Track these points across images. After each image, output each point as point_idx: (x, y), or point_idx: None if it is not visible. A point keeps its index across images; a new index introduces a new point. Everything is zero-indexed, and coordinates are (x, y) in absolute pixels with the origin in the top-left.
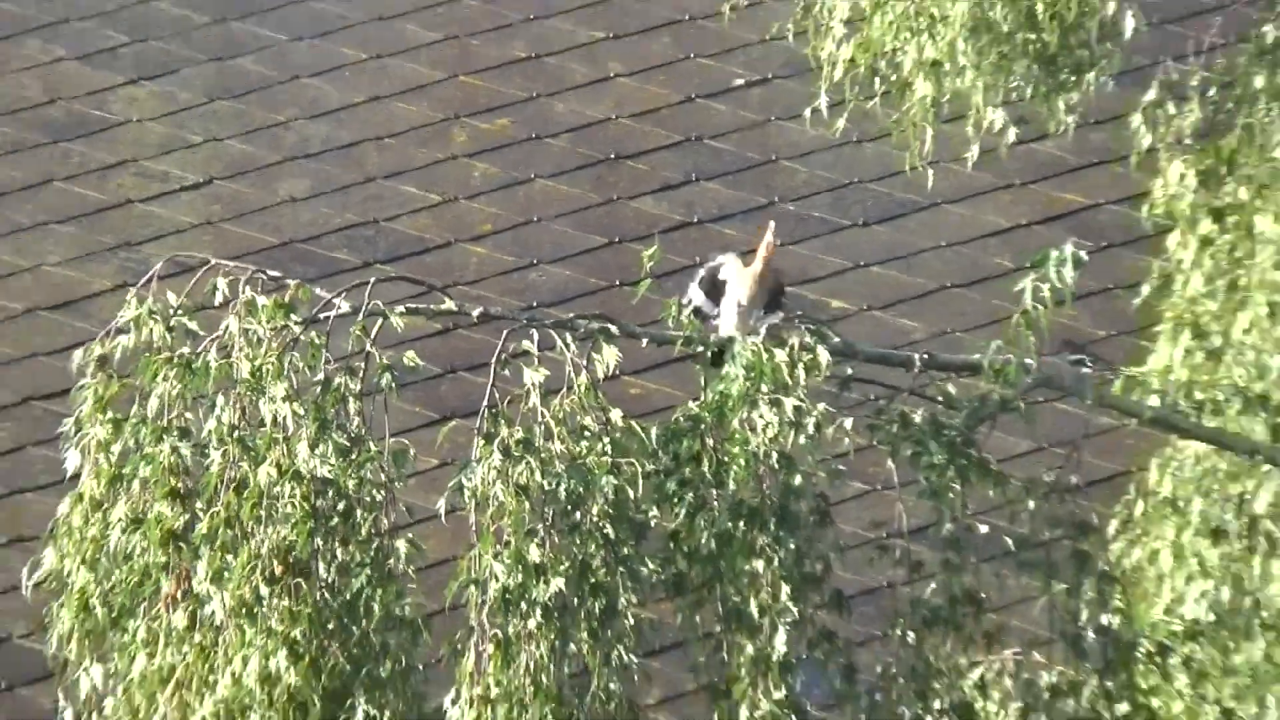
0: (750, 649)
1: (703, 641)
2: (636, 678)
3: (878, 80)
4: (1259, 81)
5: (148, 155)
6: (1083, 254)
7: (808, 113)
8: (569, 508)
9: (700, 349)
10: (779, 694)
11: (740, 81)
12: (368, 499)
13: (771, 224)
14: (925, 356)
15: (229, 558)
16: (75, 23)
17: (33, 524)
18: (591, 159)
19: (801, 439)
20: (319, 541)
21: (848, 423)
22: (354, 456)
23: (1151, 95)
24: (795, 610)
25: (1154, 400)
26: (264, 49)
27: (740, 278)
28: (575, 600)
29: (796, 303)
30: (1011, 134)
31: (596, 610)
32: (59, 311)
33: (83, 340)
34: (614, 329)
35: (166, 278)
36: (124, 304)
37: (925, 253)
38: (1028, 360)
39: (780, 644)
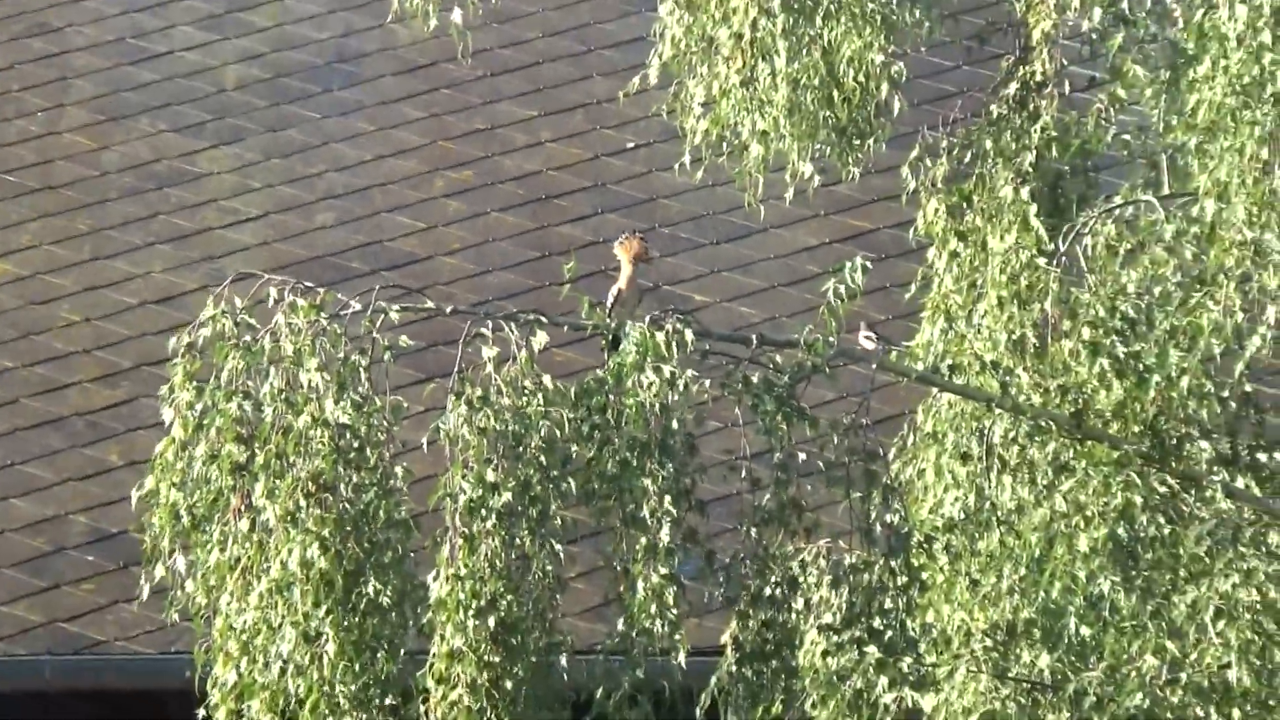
0: (643, 540)
1: (609, 534)
2: (563, 560)
3: (725, 144)
4: (988, 144)
5: (224, 197)
6: (868, 264)
7: (676, 166)
8: (514, 443)
9: (604, 333)
10: (664, 570)
11: (631, 145)
12: (374, 439)
13: (622, 239)
14: (760, 336)
15: (278, 481)
16: (175, 106)
17: (141, 453)
18: (529, 198)
19: (675, 395)
20: (340, 469)
21: (707, 383)
22: (364, 409)
23: (914, 154)
24: (674, 513)
25: (920, 365)
26: (304, 123)
27: (616, 291)
28: (520, 508)
29: (671, 298)
30: (816, 181)
31: (534, 514)
32: (162, 305)
33: (178, 325)
34: (544, 319)
35: (236, 280)
36: (205, 304)
37: (759, 263)
38: (831, 338)
39: (664, 536)
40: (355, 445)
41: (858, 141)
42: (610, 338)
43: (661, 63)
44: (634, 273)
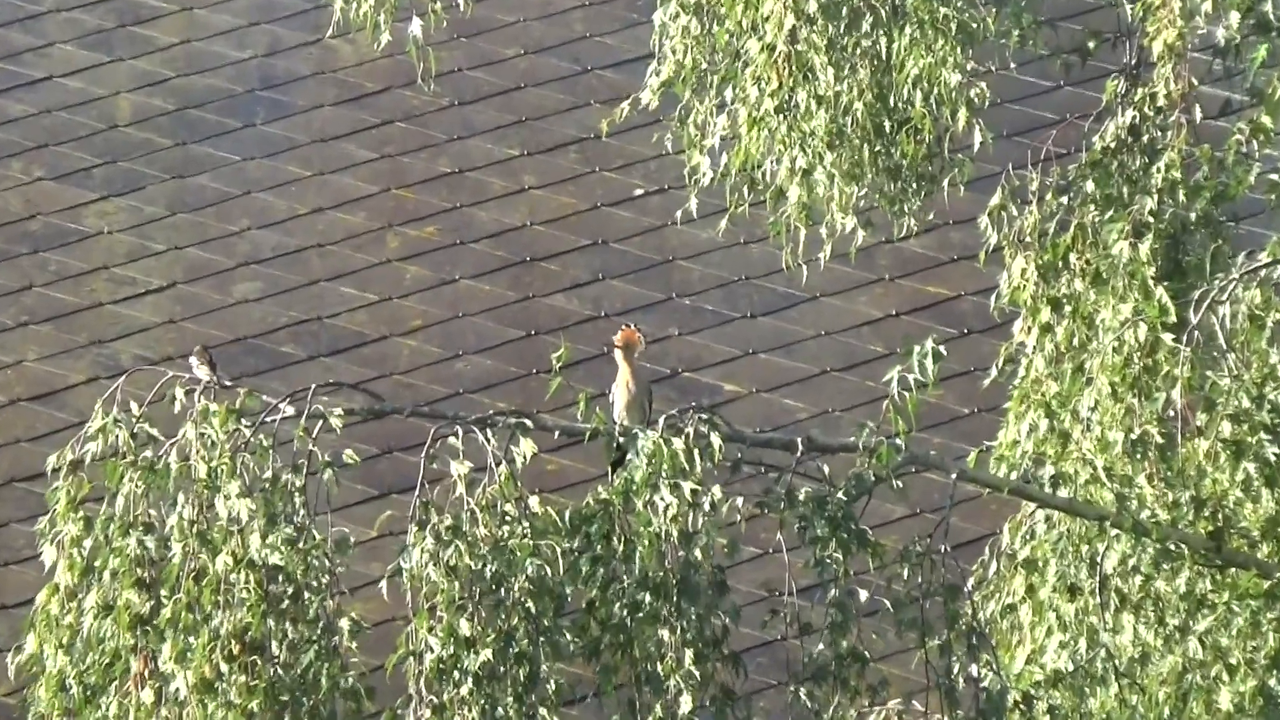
0: (658, 709)
1: (614, 696)
2: None
3: (747, 188)
4: (1091, 187)
5: (117, 263)
6: (941, 348)
7: (679, 214)
8: (495, 585)
9: (605, 438)
10: None
11: (640, 191)
12: (314, 583)
13: (624, 330)
14: (807, 439)
15: (191, 639)
16: (52, 147)
17: (14, 593)
18: (509, 261)
19: (700, 519)
20: (271, 623)
21: (739, 501)
22: (300, 545)
23: (996, 200)
24: (698, 674)
25: (1006, 471)
26: (219, 167)
27: (618, 391)
28: (502, 668)
29: (693, 388)
30: (860, 236)
31: (521, 676)
32: (38, 403)
33: (60, 429)
34: (529, 423)
35: (134, 371)
36: (94, 405)
37: (806, 341)
38: (899, 441)
39: (685, 704)
40: (289, 591)
41: (910, 186)
42: (616, 449)
43: (660, 82)
44: (634, 367)
